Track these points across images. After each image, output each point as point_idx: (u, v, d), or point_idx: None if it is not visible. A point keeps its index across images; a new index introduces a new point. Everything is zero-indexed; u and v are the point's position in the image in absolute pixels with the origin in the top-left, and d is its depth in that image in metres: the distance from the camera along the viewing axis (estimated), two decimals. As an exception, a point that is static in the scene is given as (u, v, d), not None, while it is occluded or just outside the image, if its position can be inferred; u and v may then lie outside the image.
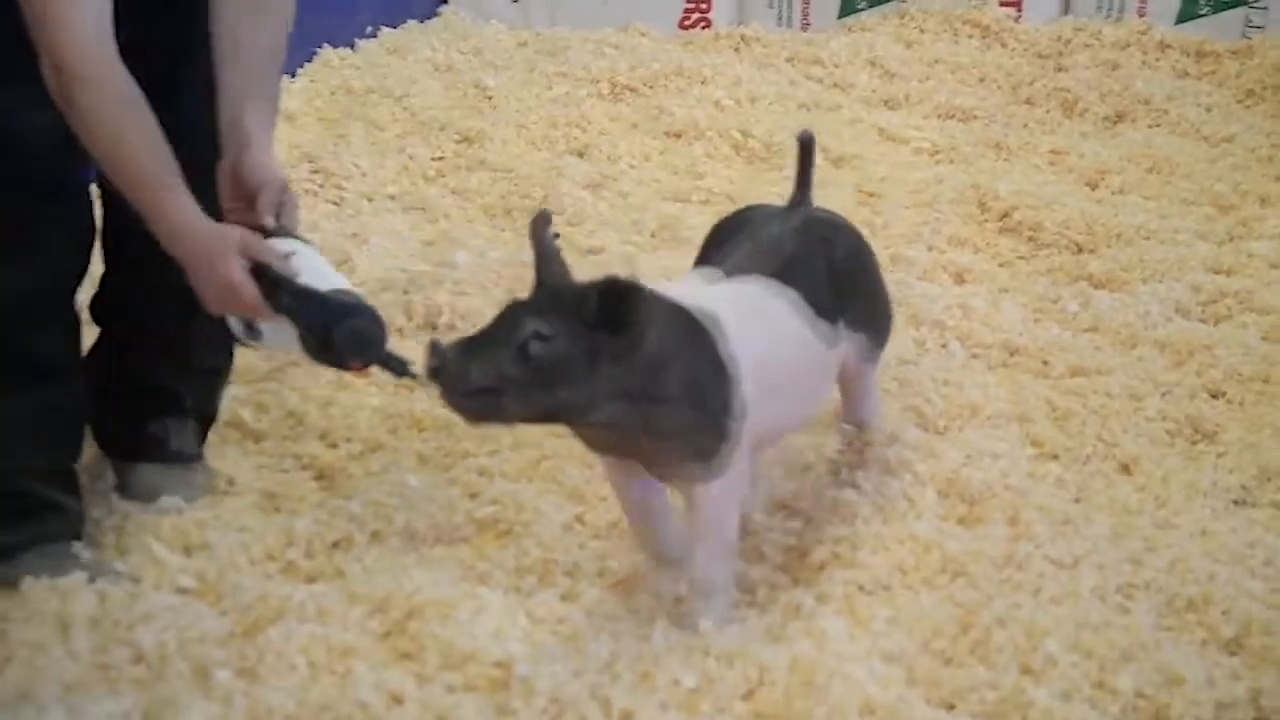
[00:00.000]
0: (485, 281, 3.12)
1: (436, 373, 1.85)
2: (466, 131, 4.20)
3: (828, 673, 1.90)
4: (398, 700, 1.88)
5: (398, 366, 2.04)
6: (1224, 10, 5.22)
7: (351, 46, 4.96)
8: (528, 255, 2.00)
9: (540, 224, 1.97)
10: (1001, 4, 5.31)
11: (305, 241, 2.12)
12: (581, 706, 1.84)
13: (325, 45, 4.83)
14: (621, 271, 1.94)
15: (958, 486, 2.40)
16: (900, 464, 2.45)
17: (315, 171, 3.85)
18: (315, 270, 2.06)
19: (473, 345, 1.88)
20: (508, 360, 1.85)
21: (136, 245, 2.15)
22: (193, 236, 2.03)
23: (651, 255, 3.36)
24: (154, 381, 2.44)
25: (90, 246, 2.27)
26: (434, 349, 1.85)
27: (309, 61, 4.73)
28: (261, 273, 2.02)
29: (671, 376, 1.94)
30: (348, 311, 2.01)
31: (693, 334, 1.99)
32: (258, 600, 2.08)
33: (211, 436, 2.51)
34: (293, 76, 4.57)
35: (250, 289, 2.01)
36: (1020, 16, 5.30)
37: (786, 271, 2.16)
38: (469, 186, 3.85)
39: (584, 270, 2.63)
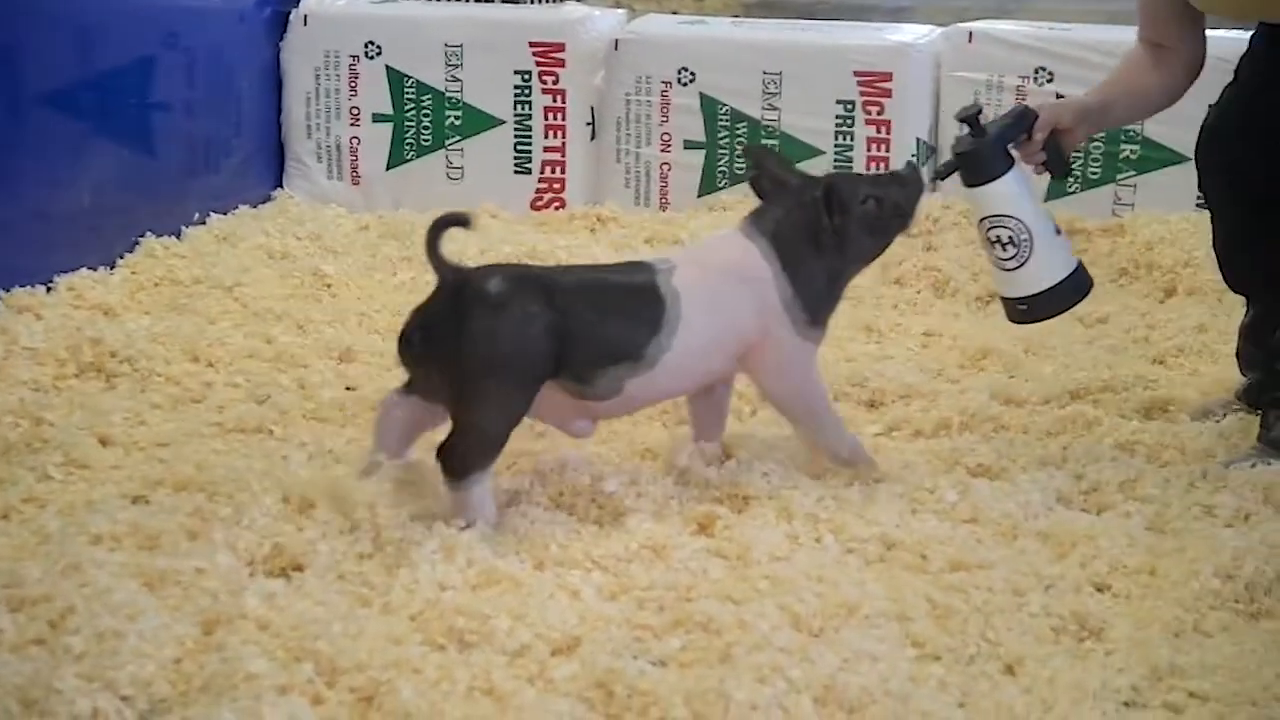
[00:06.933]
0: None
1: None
2: (303, 322, 4.20)
3: None
4: None
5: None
6: (1092, 188, 5.43)
7: (178, 235, 4.96)
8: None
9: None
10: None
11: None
12: None
13: (149, 234, 4.81)
14: None
15: (835, 693, 2.39)
16: (773, 669, 2.43)
17: (136, 370, 3.81)
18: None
19: None
20: None
21: None
22: None
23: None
24: None
25: None
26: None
27: (129, 252, 4.71)
28: None
29: None
30: None
31: None
32: None
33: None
34: (112, 269, 4.55)
35: None
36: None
37: None
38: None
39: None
